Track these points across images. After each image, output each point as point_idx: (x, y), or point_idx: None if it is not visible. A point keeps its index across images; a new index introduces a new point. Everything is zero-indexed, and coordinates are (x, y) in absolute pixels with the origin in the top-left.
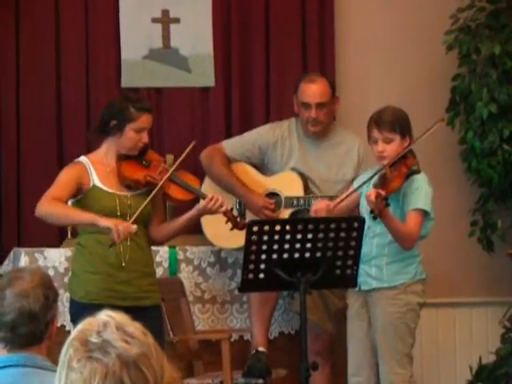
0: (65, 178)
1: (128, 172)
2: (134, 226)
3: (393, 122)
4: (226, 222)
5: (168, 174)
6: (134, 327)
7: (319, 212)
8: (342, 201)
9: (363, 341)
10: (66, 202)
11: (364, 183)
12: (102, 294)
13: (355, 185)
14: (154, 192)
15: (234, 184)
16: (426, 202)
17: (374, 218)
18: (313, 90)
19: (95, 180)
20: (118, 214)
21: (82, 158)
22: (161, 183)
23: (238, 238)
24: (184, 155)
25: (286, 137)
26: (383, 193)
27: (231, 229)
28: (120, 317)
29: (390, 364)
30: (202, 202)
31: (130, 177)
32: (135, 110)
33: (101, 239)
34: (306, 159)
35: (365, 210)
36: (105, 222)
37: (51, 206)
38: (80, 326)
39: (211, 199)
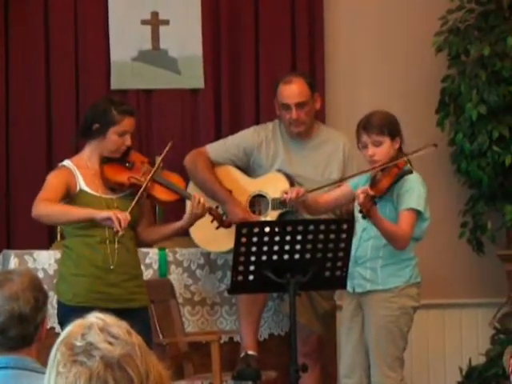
0: (54, 182)
1: (111, 175)
2: (129, 216)
3: (381, 125)
4: (212, 221)
5: (151, 174)
6: (118, 327)
7: (289, 193)
8: (314, 190)
9: (356, 343)
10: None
11: (349, 177)
12: (90, 297)
13: (351, 182)
14: (140, 192)
15: (217, 191)
16: (418, 202)
17: (363, 217)
18: (291, 91)
19: (82, 184)
20: None
21: (67, 163)
22: (145, 183)
23: (225, 242)
24: (164, 154)
25: (270, 139)
26: (371, 192)
27: (217, 227)
28: (105, 318)
29: (381, 367)
30: (188, 209)
31: (114, 179)
32: (118, 113)
33: (88, 241)
34: (291, 160)
35: (357, 213)
36: (102, 214)
37: (48, 207)
38: (67, 329)
39: (196, 202)
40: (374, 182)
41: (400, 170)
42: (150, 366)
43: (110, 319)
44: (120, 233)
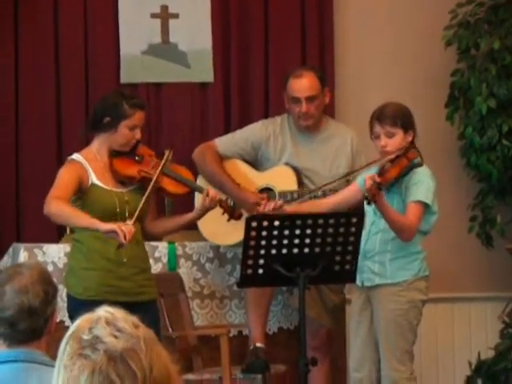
0: (66, 177)
1: (121, 168)
2: (133, 228)
3: (394, 116)
4: (223, 213)
5: (160, 167)
6: (125, 321)
7: (266, 206)
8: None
9: (365, 337)
10: (69, 202)
11: (354, 171)
12: (101, 290)
13: (358, 180)
14: (150, 186)
15: (226, 182)
16: (426, 195)
17: (368, 203)
18: (301, 85)
19: (93, 178)
20: (118, 210)
21: (76, 156)
22: (155, 176)
23: (232, 235)
24: (168, 153)
25: (278, 133)
26: (378, 179)
27: (228, 220)
28: (114, 311)
29: (390, 361)
30: (198, 202)
31: (124, 173)
32: (129, 107)
33: (98, 235)
34: (299, 154)
35: (367, 207)
36: (107, 226)
37: (58, 207)
38: (75, 323)
39: (208, 195)
40: (382, 171)
41: (409, 162)
42: (154, 360)
43: (118, 313)
44: (124, 246)
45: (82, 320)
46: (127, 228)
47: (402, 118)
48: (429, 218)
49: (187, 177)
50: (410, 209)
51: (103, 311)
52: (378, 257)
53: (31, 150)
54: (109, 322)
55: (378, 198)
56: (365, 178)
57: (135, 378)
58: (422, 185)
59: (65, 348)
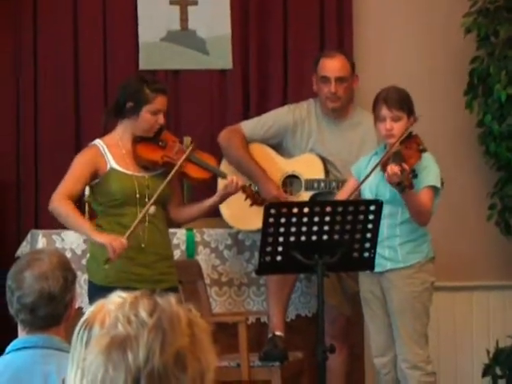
0: (79, 167)
1: (145, 153)
2: (126, 242)
3: (401, 100)
4: (246, 199)
5: (186, 154)
6: (143, 306)
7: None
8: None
9: (383, 322)
10: (80, 195)
11: (377, 165)
12: (121, 277)
13: (354, 170)
14: (173, 172)
15: (252, 168)
16: (436, 180)
17: (402, 190)
18: (333, 65)
19: (112, 162)
20: (137, 195)
21: (97, 142)
22: (180, 162)
23: (255, 220)
24: (192, 147)
25: (304, 118)
26: (407, 166)
27: (251, 205)
28: (135, 295)
29: (408, 344)
30: (221, 186)
31: (147, 158)
32: (151, 92)
33: (120, 221)
34: (325, 140)
35: (367, 193)
36: (99, 239)
37: (61, 207)
38: (89, 309)
39: (231, 181)
40: (402, 158)
41: (418, 147)
42: (155, 349)
43: (141, 296)
44: (111, 261)
45: (95, 307)
46: (117, 244)
47: (407, 103)
48: (434, 201)
49: (210, 162)
50: (424, 194)
51: (116, 297)
52: (388, 242)
53: (49, 137)
54: (131, 307)
55: (413, 184)
56: (392, 168)
57: (128, 367)
58: (431, 170)
59: (78, 333)
